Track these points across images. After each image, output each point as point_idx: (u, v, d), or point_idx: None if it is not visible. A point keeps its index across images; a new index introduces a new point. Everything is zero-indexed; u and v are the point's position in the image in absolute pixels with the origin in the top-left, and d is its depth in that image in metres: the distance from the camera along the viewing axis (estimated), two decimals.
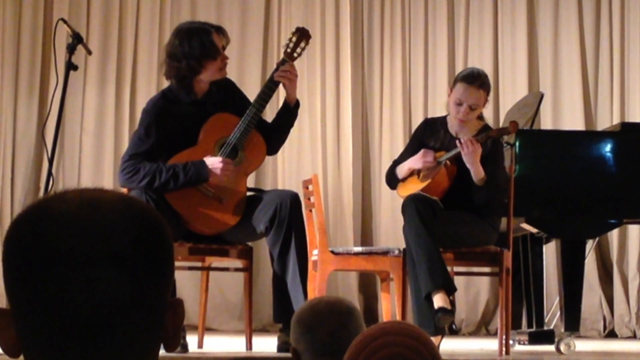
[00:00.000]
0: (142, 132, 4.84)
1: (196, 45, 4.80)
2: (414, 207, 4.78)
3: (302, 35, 5.03)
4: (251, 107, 4.88)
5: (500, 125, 6.66)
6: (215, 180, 4.80)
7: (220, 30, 4.91)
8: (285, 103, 5.01)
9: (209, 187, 4.83)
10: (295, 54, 4.99)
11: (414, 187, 5.00)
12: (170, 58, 4.85)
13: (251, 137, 4.89)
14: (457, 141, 4.93)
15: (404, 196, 4.98)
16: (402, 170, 5.10)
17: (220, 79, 4.95)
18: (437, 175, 4.97)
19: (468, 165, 4.89)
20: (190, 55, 4.79)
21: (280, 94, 5.63)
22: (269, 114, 5.26)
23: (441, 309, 4.63)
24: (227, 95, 4.97)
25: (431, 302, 4.67)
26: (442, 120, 5.16)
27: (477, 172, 4.89)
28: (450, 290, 4.74)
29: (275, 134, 5.00)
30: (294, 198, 4.85)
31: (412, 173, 5.08)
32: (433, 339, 4.35)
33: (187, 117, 4.85)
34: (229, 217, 4.85)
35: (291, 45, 5.00)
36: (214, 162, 4.78)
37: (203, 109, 4.88)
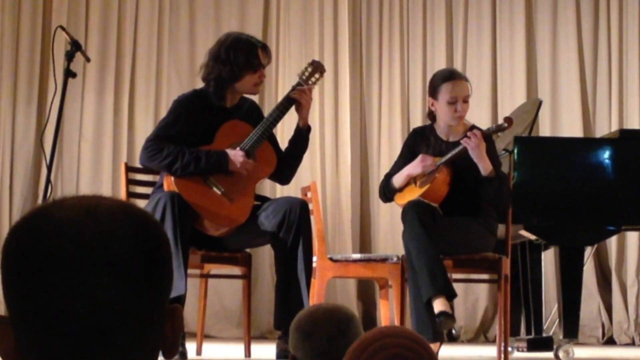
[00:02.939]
0: (171, 119, 4.94)
1: (242, 55, 4.92)
2: (414, 213, 4.78)
3: (317, 67, 5.13)
4: (265, 119, 4.96)
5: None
6: (235, 170, 4.84)
7: (265, 48, 5.02)
8: (298, 128, 5.06)
9: (220, 185, 4.87)
10: (309, 82, 5.08)
11: (413, 194, 5.00)
12: (214, 61, 4.95)
13: (262, 147, 4.96)
14: (462, 140, 4.91)
15: (402, 205, 4.98)
16: (399, 178, 5.09)
17: (251, 96, 5.06)
18: (435, 182, 4.97)
19: (475, 160, 4.86)
20: (234, 62, 4.91)
21: (289, 119, 5.65)
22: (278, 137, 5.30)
23: (442, 313, 4.63)
24: (251, 113, 5.05)
25: (431, 308, 4.67)
26: (430, 128, 5.16)
27: (485, 166, 4.87)
28: (450, 296, 4.74)
29: (287, 163, 5.06)
30: (302, 205, 4.90)
31: (409, 182, 5.08)
32: (432, 345, 4.35)
33: (211, 119, 4.93)
34: (238, 215, 4.89)
35: (307, 73, 5.10)
36: (236, 154, 4.86)
37: (228, 117, 4.96)
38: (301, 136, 5.07)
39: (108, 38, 7.91)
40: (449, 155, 4.96)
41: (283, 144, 5.22)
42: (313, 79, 5.11)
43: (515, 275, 5.75)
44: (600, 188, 5.36)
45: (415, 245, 4.74)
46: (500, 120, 5.24)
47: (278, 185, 7.78)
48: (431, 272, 4.68)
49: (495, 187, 4.86)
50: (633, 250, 7.70)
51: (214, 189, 4.88)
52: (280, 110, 5.00)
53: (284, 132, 6.70)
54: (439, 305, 4.65)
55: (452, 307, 4.74)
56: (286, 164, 5.08)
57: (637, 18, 7.87)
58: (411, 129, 7.91)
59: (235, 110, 5.01)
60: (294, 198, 5.15)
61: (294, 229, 4.82)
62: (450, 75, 5.03)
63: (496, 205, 4.92)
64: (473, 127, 5.09)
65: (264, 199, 5.14)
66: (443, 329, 4.69)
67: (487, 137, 5.00)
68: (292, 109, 5.04)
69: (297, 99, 5.00)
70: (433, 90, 5.07)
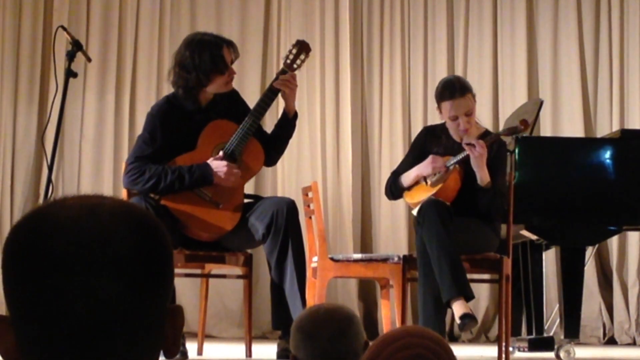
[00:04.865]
0: (146, 136, 4.88)
1: (207, 58, 4.83)
2: (435, 211, 4.73)
3: (302, 47, 5.05)
4: (250, 115, 4.90)
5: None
6: (220, 182, 4.81)
7: (231, 44, 4.94)
8: (284, 114, 5.02)
9: (206, 192, 4.84)
10: (295, 65, 5.02)
11: (425, 193, 4.97)
12: (179, 68, 4.88)
13: (249, 144, 4.91)
14: (465, 145, 4.91)
15: (413, 203, 4.96)
16: (408, 178, 5.06)
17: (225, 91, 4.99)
18: (448, 180, 4.95)
19: (475, 169, 4.86)
20: (199, 68, 4.83)
21: (280, 104, 5.63)
22: (268, 124, 5.28)
23: (466, 316, 4.61)
24: (231, 104, 4.99)
25: (442, 308, 4.66)
26: (442, 127, 5.14)
27: (483, 176, 4.86)
28: (470, 297, 4.71)
29: (273, 145, 5.01)
30: (290, 205, 4.85)
31: (419, 181, 5.05)
32: None
33: (190, 123, 4.87)
34: (225, 222, 4.86)
35: (291, 56, 5.02)
36: (218, 166, 4.81)
37: (206, 117, 4.90)
38: (287, 122, 5.03)
39: (109, 38, 7.91)
40: (456, 159, 4.95)
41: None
42: (298, 62, 5.04)
43: (517, 275, 5.75)
44: (601, 188, 5.36)
45: (436, 245, 4.68)
46: (514, 123, 5.23)
47: (279, 183, 7.80)
48: (454, 274, 4.64)
49: (488, 198, 4.86)
50: (634, 250, 7.69)
51: (200, 195, 4.85)
52: (265, 103, 4.94)
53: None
54: (460, 307, 4.63)
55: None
56: (273, 148, 5.03)
57: (638, 18, 7.86)
58: (412, 128, 7.98)
59: (213, 107, 4.93)
60: (280, 199, 5.13)
61: (282, 231, 4.79)
62: (449, 94, 4.95)
63: (486, 215, 4.91)
64: (487, 132, 5.07)
65: (255, 198, 5.12)
66: (466, 330, 4.66)
67: (501, 144, 4.96)
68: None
69: (280, 89, 4.96)
70: (437, 103, 5.04)
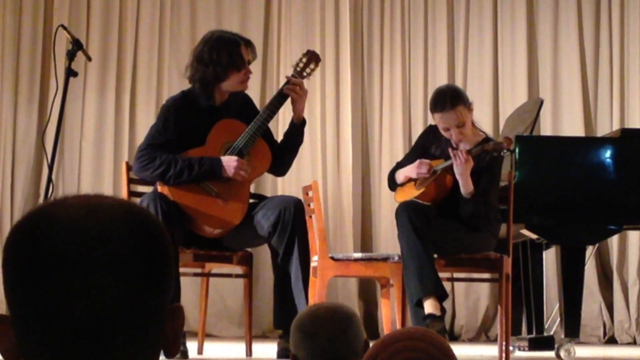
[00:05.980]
0: (160, 125, 4.93)
1: (224, 54, 4.89)
2: (405, 214, 4.80)
3: (312, 57, 5.11)
4: (259, 116, 4.94)
5: (500, 134, 6.66)
6: (228, 175, 4.84)
7: (249, 44, 4.99)
8: (292, 122, 5.05)
9: (213, 187, 4.87)
10: (304, 73, 5.06)
11: (410, 193, 5.02)
12: (197, 62, 4.94)
13: (257, 144, 4.95)
14: (450, 151, 4.92)
15: (399, 201, 5.01)
16: (400, 176, 5.12)
17: (240, 91, 5.02)
18: (432, 184, 4.98)
19: (457, 177, 4.89)
20: (217, 62, 4.88)
21: (285, 112, 5.64)
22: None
23: (430, 316, 4.66)
24: (243, 107, 5.04)
25: (422, 309, 4.69)
26: None
27: (465, 185, 4.87)
28: (441, 296, 4.75)
29: (282, 154, 5.05)
30: (297, 203, 4.88)
31: (409, 179, 5.10)
32: None
33: (202, 120, 4.92)
34: (233, 216, 4.89)
35: (301, 64, 5.07)
36: (229, 161, 4.84)
37: (218, 116, 4.95)
38: (295, 130, 5.06)
39: (109, 37, 7.91)
40: (443, 165, 4.97)
41: (280, 137, 5.21)
42: (308, 70, 5.08)
43: (517, 275, 5.75)
44: (601, 187, 5.35)
45: (405, 246, 4.77)
46: (502, 129, 5.24)
47: (279, 183, 7.80)
48: (420, 273, 4.70)
49: (469, 207, 4.87)
50: (634, 249, 7.70)
51: (207, 190, 4.87)
52: (275, 106, 4.98)
53: (284, 125, 6.68)
54: (428, 306, 4.68)
55: (442, 308, 4.75)
56: (281, 157, 5.06)
57: (639, 17, 7.86)
58: (412, 128, 7.99)
59: (226, 108, 4.98)
60: (288, 197, 5.15)
61: (289, 229, 4.81)
62: (439, 107, 4.96)
63: (469, 223, 4.91)
64: (486, 139, 5.05)
65: (260, 197, 5.14)
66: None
67: (493, 156, 4.95)
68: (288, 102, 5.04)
69: (289, 95, 4.99)
70: (430, 111, 5.10)
